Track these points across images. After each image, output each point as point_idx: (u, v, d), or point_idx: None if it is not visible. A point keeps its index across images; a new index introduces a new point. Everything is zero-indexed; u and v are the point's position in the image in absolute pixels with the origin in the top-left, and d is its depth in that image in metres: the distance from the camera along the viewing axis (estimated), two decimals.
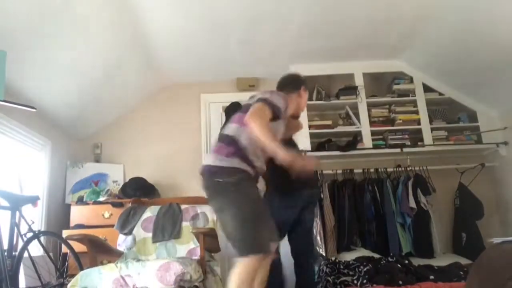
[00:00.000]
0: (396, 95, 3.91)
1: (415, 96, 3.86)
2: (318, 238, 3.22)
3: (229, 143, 1.93)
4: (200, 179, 1.95)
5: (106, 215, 3.41)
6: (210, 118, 4.21)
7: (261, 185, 2.30)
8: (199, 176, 1.96)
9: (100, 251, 2.40)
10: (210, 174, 1.90)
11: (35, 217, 3.16)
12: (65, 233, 3.15)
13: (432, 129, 3.79)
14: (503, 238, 1.47)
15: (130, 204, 2.94)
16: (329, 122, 3.88)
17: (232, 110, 2.53)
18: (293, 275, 2.57)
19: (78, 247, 2.48)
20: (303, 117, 3.76)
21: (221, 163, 1.87)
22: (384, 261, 2.81)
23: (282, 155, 1.78)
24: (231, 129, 1.99)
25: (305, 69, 3.90)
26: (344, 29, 3.31)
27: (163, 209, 2.73)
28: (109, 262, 2.42)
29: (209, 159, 1.95)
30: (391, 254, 2.98)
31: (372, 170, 3.71)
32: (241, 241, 1.79)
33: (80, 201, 3.55)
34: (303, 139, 3.71)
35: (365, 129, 3.77)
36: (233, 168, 1.87)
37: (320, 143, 3.84)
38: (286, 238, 2.54)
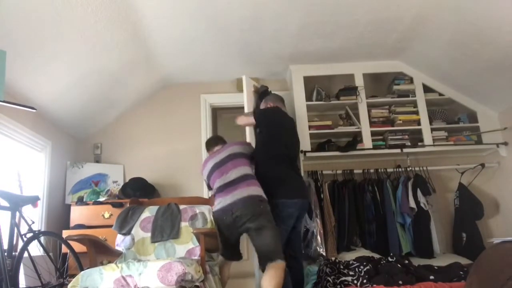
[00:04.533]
0: (396, 95, 3.91)
1: (415, 96, 3.86)
2: (318, 238, 3.22)
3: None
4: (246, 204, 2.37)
5: (106, 215, 3.41)
6: (210, 119, 4.20)
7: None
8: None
9: (100, 251, 2.40)
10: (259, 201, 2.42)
11: (35, 217, 3.17)
12: (65, 233, 3.17)
13: (432, 130, 3.78)
14: (503, 238, 1.47)
15: (128, 205, 2.94)
16: (329, 123, 3.88)
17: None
18: None
19: (78, 247, 2.48)
20: (303, 117, 3.79)
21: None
22: (384, 261, 2.80)
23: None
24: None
25: (305, 70, 3.94)
26: (344, 29, 3.31)
27: (161, 209, 2.73)
28: (109, 262, 2.42)
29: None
30: (391, 254, 2.97)
31: (372, 170, 3.71)
32: (277, 249, 2.28)
33: (80, 201, 3.55)
34: (303, 140, 3.71)
35: (365, 129, 3.76)
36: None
37: (320, 144, 3.84)
38: None
